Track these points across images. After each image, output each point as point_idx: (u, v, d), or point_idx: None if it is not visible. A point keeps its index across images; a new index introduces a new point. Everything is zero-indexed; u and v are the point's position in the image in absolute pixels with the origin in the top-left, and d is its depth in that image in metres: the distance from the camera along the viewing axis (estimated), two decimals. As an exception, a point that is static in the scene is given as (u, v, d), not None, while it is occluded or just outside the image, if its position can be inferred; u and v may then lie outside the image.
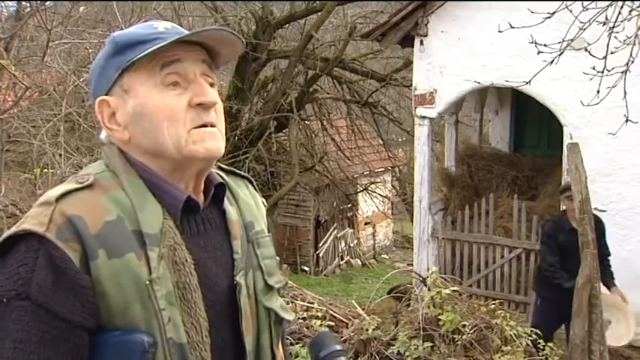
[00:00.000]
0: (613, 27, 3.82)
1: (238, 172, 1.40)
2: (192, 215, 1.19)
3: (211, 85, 1.19)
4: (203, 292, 1.15)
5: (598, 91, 3.95)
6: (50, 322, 1.03)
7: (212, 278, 1.18)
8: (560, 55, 3.96)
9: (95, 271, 1.05)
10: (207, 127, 1.16)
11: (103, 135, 1.23)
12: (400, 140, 17.13)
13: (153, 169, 1.17)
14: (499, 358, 4.88)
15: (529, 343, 5.13)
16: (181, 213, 1.16)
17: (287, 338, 5.49)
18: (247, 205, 1.33)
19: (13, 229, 1.07)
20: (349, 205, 16.82)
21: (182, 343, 1.10)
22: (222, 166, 1.36)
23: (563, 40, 3.94)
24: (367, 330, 5.60)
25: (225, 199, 1.28)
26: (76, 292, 1.04)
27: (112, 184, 1.14)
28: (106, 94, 1.18)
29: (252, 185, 1.41)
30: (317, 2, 11.31)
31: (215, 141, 1.17)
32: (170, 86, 1.15)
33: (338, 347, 1.31)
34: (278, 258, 1.37)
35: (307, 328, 5.79)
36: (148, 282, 1.08)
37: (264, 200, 1.43)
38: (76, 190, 1.11)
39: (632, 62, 3.92)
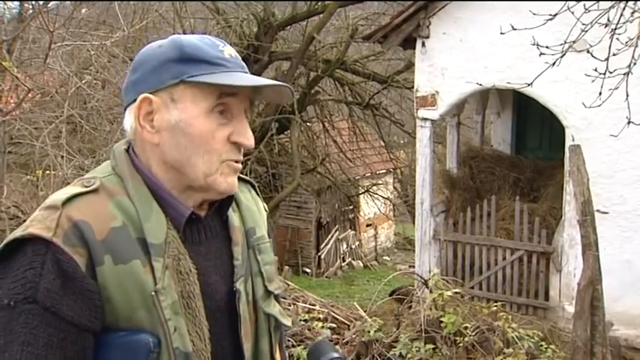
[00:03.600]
0: (615, 29, 3.81)
1: (242, 176, 1.39)
2: (194, 224, 1.20)
3: (246, 117, 1.22)
4: (203, 300, 1.16)
5: (600, 93, 3.95)
6: (57, 325, 1.04)
7: (212, 286, 1.19)
8: (561, 56, 3.96)
9: (101, 277, 1.06)
10: (236, 163, 1.20)
11: (127, 126, 1.21)
12: (402, 142, 17.11)
13: (159, 181, 1.17)
14: (501, 360, 4.87)
15: (531, 345, 5.12)
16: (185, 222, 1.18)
17: (288, 340, 5.49)
18: (249, 210, 1.34)
19: (19, 232, 1.07)
20: (351, 207, 16.82)
21: (188, 352, 1.11)
22: None
23: (565, 42, 3.94)
24: (369, 332, 5.60)
25: None
26: (83, 296, 1.05)
27: (117, 190, 1.15)
28: (151, 93, 1.16)
29: (255, 190, 1.42)
30: (319, 4, 11.31)
31: (235, 178, 1.21)
32: (218, 114, 1.16)
33: (336, 355, 1.33)
34: (276, 257, 1.38)
35: (309, 330, 5.79)
36: (153, 293, 1.08)
37: (265, 205, 1.43)
38: (82, 194, 1.12)
39: (634, 64, 3.92)
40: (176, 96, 1.15)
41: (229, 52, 1.19)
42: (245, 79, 1.16)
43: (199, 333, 1.14)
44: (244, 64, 1.22)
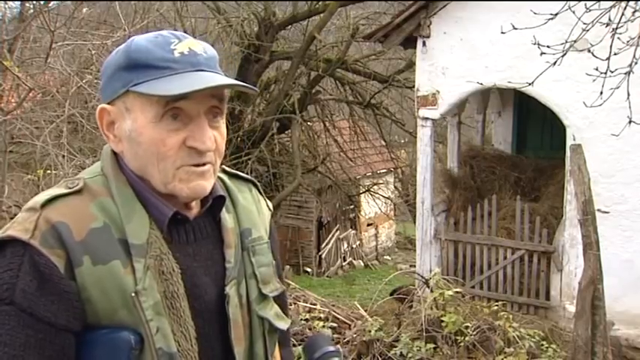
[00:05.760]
0: (616, 28, 3.81)
1: (242, 175, 1.38)
2: (181, 224, 1.19)
3: (217, 114, 1.16)
4: (190, 301, 1.15)
5: (601, 93, 3.94)
6: (34, 326, 1.04)
7: (200, 287, 1.18)
8: (563, 56, 3.96)
9: (80, 278, 1.06)
10: (198, 166, 1.14)
11: None
12: (403, 141, 17.11)
13: (143, 182, 1.17)
14: (502, 359, 4.87)
15: (532, 344, 5.13)
16: (170, 222, 1.16)
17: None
18: (246, 211, 1.31)
19: None
20: (351, 207, 16.82)
21: (172, 352, 1.10)
22: (226, 168, 1.35)
23: (566, 42, 3.94)
24: (370, 331, 5.60)
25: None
26: (61, 297, 1.05)
27: (101, 191, 1.14)
28: (109, 103, 1.16)
29: (257, 189, 1.39)
30: (319, 3, 11.31)
31: (202, 181, 1.15)
32: (170, 118, 1.11)
33: (331, 348, 1.32)
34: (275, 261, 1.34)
35: (310, 329, 5.79)
36: (133, 294, 1.08)
37: (269, 204, 1.40)
38: (64, 195, 1.12)
39: (636, 63, 3.91)
40: (129, 105, 1.13)
41: (183, 48, 1.12)
42: (187, 82, 1.08)
43: (185, 333, 1.13)
44: (206, 56, 1.14)
